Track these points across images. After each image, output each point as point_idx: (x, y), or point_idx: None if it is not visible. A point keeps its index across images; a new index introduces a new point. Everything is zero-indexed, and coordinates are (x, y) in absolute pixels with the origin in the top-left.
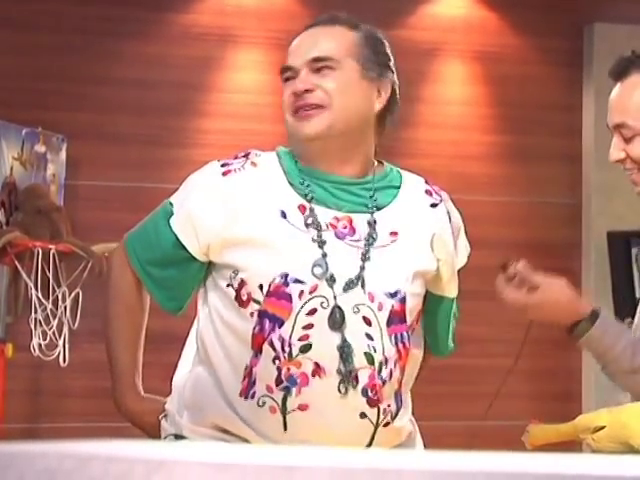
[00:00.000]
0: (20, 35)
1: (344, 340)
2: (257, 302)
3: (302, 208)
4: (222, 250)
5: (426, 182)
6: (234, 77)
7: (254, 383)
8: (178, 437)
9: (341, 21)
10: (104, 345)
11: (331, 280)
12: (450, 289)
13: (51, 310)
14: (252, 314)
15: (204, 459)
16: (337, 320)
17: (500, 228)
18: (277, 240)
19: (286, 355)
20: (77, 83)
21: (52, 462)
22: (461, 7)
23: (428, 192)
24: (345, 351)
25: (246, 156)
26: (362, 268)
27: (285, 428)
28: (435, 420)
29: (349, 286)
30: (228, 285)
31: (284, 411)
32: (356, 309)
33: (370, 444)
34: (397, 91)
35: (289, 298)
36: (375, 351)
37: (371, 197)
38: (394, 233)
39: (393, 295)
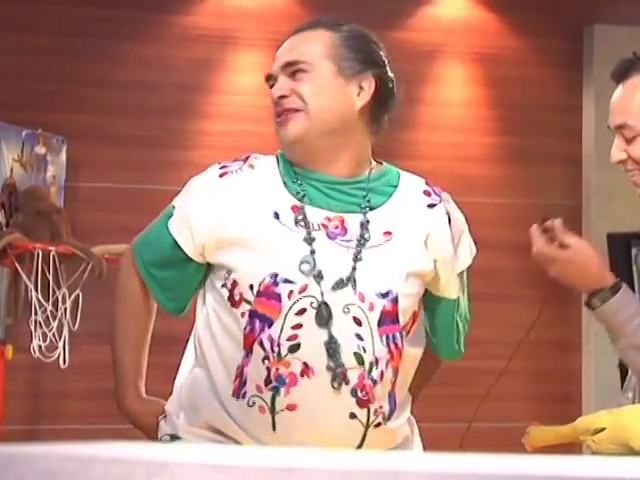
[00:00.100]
0: (20, 36)
1: (331, 336)
2: (248, 302)
3: (295, 209)
4: (217, 251)
5: (426, 183)
6: (234, 79)
7: (245, 383)
8: (173, 437)
9: (322, 24)
10: (104, 347)
11: (319, 277)
12: (449, 290)
13: (51, 312)
14: (243, 314)
15: (205, 461)
16: (324, 316)
17: (500, 230)
18: (267, 240)
19: (275, 355)
20: (77, 85)
21: (53, 464)
22: (461, 9)
23: (426, 193)
24: (332, 347)
25: (246, 159)
26: (353, 268)
27: (274, 428)
28: (436, 422)
29: (339, 285)
30: (222, 286)
31: (273, 411)
32: (346, 309)
33: (361, 445)
34: (391, 86)
35: (278, 298)
36: (365, 351)
37: (364, 197)
38: (388, 233)
39: (384, 295)
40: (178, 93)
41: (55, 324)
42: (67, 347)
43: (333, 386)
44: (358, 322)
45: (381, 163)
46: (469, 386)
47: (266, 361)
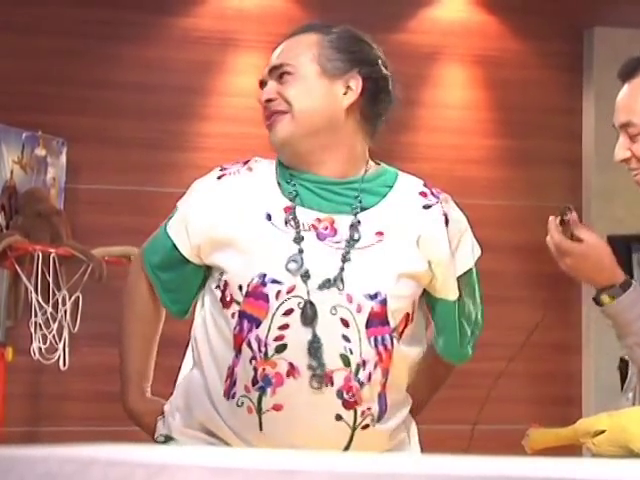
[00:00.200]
0: (20, 39)
1: (314, 336)
2: (237, 303)
3: (287, 210)
4: (211, 252)
5: (425, 185)
6: (234, 81)
7: (235, 383)
8: (167, 438)
9: (312, 28)
10: (104, 349)
11: (306, 276)
12: (447, 292)
13: (51, 314)
14: (233, 315)
15: (205, 463)
16: (308, 316)
17: (500, 232)
18: (257, 241)
19: (262, 355)
20: (77, 87)
21: (53, 466)
22: (461, 11)
23: (422, 194)
24: (314, 346)
25: (246, 162)
26: (342, 269)
27: (261, 428)
28: (437, 424)
29: (325, 285)
30: (216, 287)
31: (259, 411)
32: (334, 310)
33: (348, 447)
34: (384, 84)
35: (266, 298)
36: (352, 353)
37: (356, 197)
38: (380, 233)
39: (373, 297)
40: (178, 95)
41: (55, 326)
42: (67, 349)
43: (312, 386)
44: (345, 323)
45: (379, 164)
46: (469, 388)
47: (253, 361)
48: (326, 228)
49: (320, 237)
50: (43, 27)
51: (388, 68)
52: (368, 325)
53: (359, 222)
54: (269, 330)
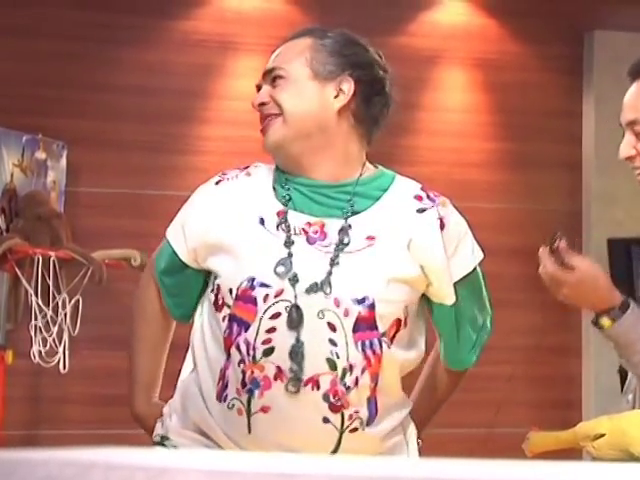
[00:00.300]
0: (20, 42)
1: (297, 340)
2: (228, 306)
3: (280, 214)
4: (207, 256)
5: (422, 188)
6: (234, 84)
7: (227, 386)
8: (163, 438)
9: (307, 33)
10: (104, 352)
11: (294, 280)
12: (444, 296)
13: (51, 317)
14: (224, 318)
15: (204, 467)
16: (294, 319)
17: (500, 235)
18: (248, 245)
19: (250, 358)
20: (77, 90)
21: (53, 470)
22: (461, 14)
23: (418, 197)
24: (295, 350)
25: (246, 167)
26: (329, 273)
27: (249, 430)
28: (437, 427)
29: (312, 289)
30: (211, 291)
31: (248, 412)
32: (321, 314)
33: (336, 450)
34: (379, 88)
35: (254, 302)
36: (338, 357)
37: (348, 201)
38: (371, 238)
39: (360, 301)
40: (178, 98)
41: (55, 329)
42: (67, 352)
43: (287, 389)
44: (332, 327)
45: (377, 167)
46: (467, 391)
47: (242, 364)
48: (316, 232)
49: (310, 241)
50: (43, 30)
51: (387, 71)
52: (355, 329)
53: (350, 226)
54: (257, 333)
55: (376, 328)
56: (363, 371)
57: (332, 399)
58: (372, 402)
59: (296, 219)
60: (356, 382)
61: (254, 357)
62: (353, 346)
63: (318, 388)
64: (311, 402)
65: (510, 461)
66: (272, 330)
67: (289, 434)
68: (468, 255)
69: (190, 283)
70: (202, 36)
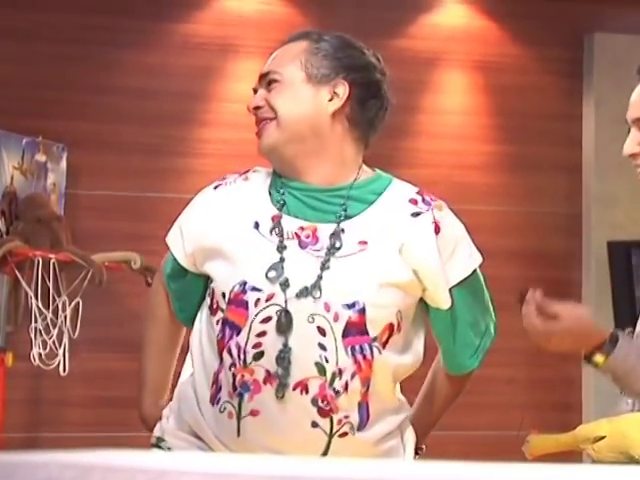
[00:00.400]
0: (21, 44)
1: (285, 345)
2: (222, 310)
3: (274, 218)
4: (203, 260)
5: (418, 192)
6: (234, 87)
7: (220, 389)
8: (159, 440)
9: (304, 36)
10: (104, 354)
11: (285, 285)
12: (439, 300)
13: (51, 319)
14: (218, 322)
15: (204, 469)
16: (282, 324)
17: (500, 238)
18: (241, 249)
19: (241, 362)
20: (77, 92)
21: (53, 472)
22: (461, 17)
23: (413, 201)
24: (282, 355)
25: (245, 172)
26: (319, 277)
27: (238, 434)
28: (438, 430)
29: (303, 293)
30: (208, 295)
31: (238, 416)
32: (311, 319)
33: (325, 454)
34: (375, 91)
35: (246, 306)
36: (327, 361)
37: (342, 205)
38: (363, 242)
39: (350, 306)
40: (178, 101)
41: (55, 332)
42: (67, 355)
43: (277, 396)
44: (322, 332)
45: (375, 171)
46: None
47: (233, 368)
48: (308, 236)
49: (302, 245)
50: (44, 33)
51: (385, 74)
52: (345, 334)
53: (342, 230)
54: (248, 337)
55: (367, 333)
56: (353, 376)
57: (321, 403)
58: (363, 407)
59: (289, 224)
60: (346, 387)
61: (245, 361)
62: (343, 351)
63: (307, 392)
64: (300, 406)
65: (510, 464)
66: (262, 334)
67: (278, 438)
68: (465, 259)
69: (191, 287)
70: (202, 39)
